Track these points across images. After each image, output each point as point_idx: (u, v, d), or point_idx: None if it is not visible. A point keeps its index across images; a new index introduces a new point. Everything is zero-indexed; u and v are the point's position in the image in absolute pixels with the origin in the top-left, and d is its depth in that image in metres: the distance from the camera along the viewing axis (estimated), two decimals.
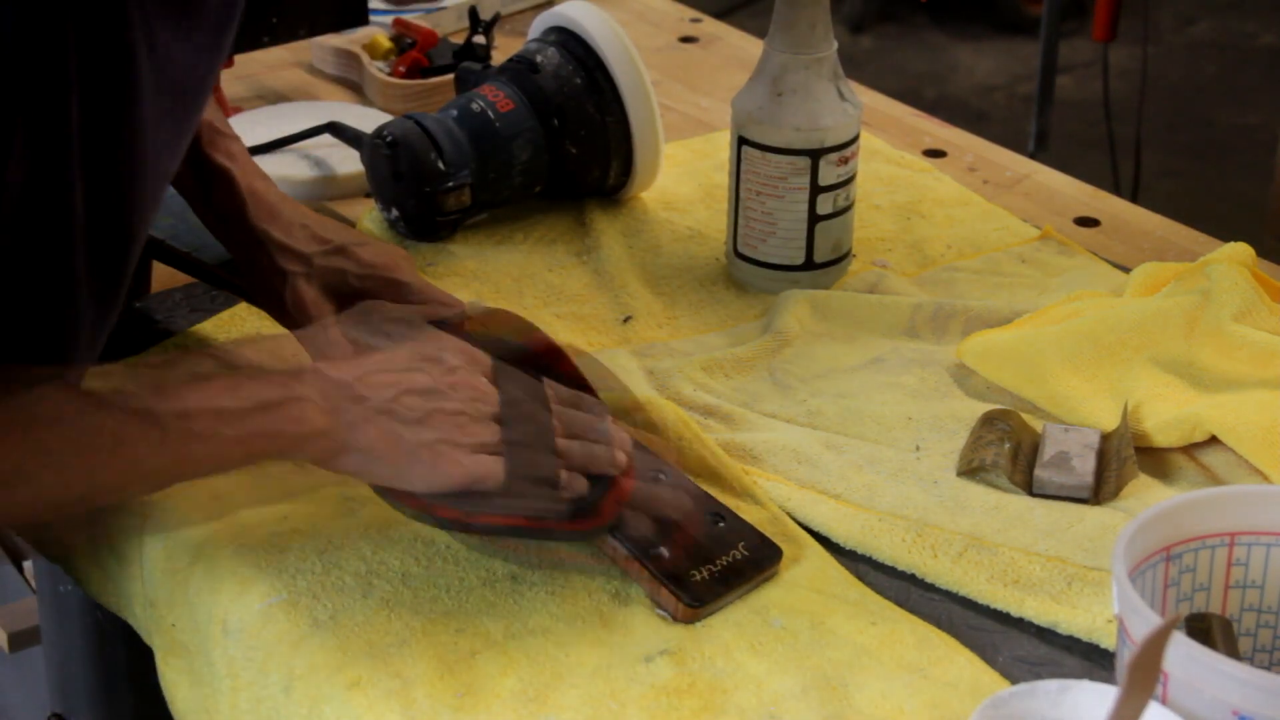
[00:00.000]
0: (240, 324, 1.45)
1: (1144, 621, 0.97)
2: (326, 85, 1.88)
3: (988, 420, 1.32)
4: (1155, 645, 0.92)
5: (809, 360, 1.42)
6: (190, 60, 1.11)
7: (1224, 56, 4.66)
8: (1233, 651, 1.05)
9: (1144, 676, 0.92)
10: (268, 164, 1.59)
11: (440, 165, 1.54)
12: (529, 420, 1.17)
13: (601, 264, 1.55)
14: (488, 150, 1.57)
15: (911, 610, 1.17)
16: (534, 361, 1.23)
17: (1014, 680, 1.11)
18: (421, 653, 1.12)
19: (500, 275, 1.53)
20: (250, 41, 1.74)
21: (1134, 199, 2.96)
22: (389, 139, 1.55)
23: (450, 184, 1.55)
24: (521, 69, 1.60)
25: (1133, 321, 1.38)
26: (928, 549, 1.21)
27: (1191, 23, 4.81)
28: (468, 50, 1.78)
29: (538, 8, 2.01)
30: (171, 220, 1.46)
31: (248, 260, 1.37)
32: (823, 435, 1.33)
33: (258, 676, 1.14)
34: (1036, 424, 1.33)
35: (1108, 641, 1.13)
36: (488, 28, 1.80)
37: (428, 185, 1.54)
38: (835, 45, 1.48)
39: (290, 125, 1.69)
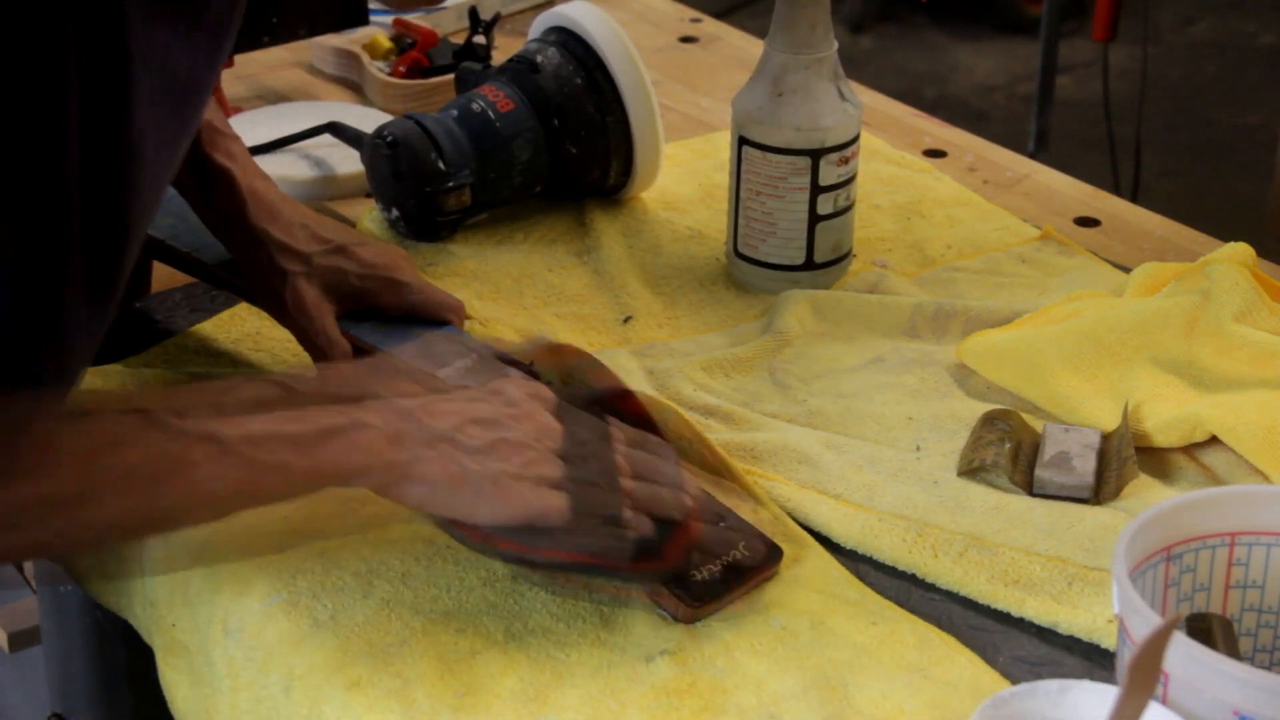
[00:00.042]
0: (240, 324, 1.45)
1: (1144, 621, 0.97)
2: (326, 85, 1.88)
3: (988, 420, 1.32)
4: (1156, 645, 0.92)
5: (809, 360, 1.42)
6: (189, 63, 1.11)
7: (1224, 56, 4.66)
8: (1233, 651, 1.05)
9: (1144, 676, 0.92)
10: (268, 164, 1.59)
11: (440, 165, 1.54)
12: (594, 458, 1.15)
13: (601, 264, 1.55)
14: (488, 150, 1.57)
15: (912, 610, 1.17)
16: (602, 401, 1.22)
17: (1014, 680, 1.11)
18: (421, 653, 1.12)
19: (500, 275, 1.53)
20: (250, 41, 1.74)
21: (1134, 199, 2.96)
22: (389, 139, 1.55)
23: (450, 184, 1.55)
24: (522, 69, 1.60)
25: (1133, 321, 1.38)
26: (928, 549, 1.21)
27: (1191, 23, 4.81)
28: (468, 50, 1.78)
29: (538, 8, 2.01)
30: (171, 220, 1.46)
31: (248, 260, 1.37)
32: (823, 435, 1.33)
33: (258, 676, 1.14)
34: (1037, 424, 1.33)
35: (1108, 641, 1.13)
36: (488, 28, 1.80)
37: (428, 185, 1.54)
38: (835, 45, 1.48)
39: (290, 125, 1.69)
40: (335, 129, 1.65)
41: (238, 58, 1.79)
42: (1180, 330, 1.36)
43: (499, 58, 1.77)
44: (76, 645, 1.51)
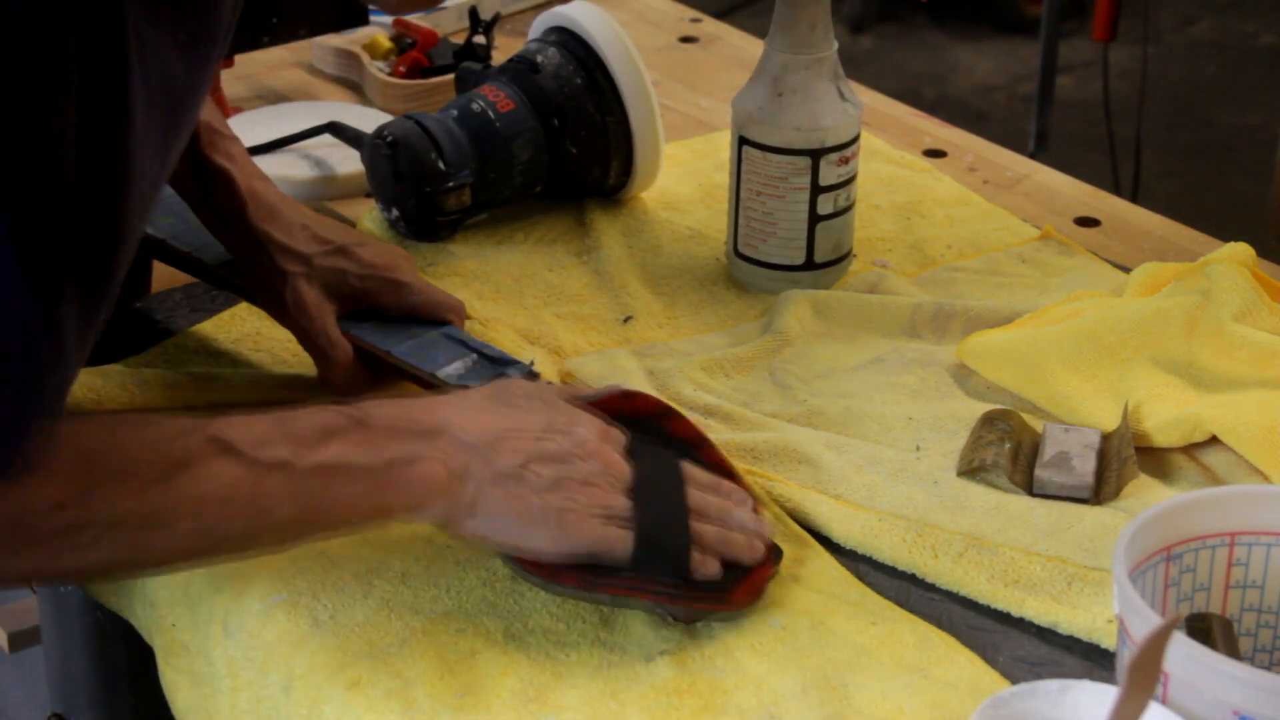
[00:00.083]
0: (240, 324, 1.45)
1: (1144, 621, 0.97)
2: (326, 85, 1.88)
3: (988, 420, 1.32)
4: (1155, 645, 0.92)
5: (809, 360, 1.42)
6: (185, 68, 1.11)
7: (1224, 56, 4.66)
8: (1233, 651, 1.05)
9: (1144, 676, 0.92)
10: (268, 164, 1.59)
11: (440, 165, 1.54)
12: (662, 497, 1.16)
13: (601, 264, 1.55)
14: (488, 150, 1.57)
15: (911, 610, 1.17)
16: (676, 446, 1.22)
17: (1014, 680, 1.11)
18: (421, 653, 1.12)
19: (500, 275, 1.53)
20: (250, 41, 1.74)
21: (1134, 199, 2.96)
22: (389, 139, 1.55)
23: (450, 184, 1.55)
24: (522, 69, 1.60)
25: (1133, 321, 1.38)
26: (928, 549, 1.21)
27: (1191, 23, 4.81)
28: (468, 50, 1.78)
29: (538, 8, 2.01)
30: (171, 220, 1.46)
31: (248, 261, 1.37)
32: (823, 435, 1.33)
33: (258, 676, 1.14)
34: (1036, 424, 1.33)
35: (1108, 641, 1.13)
36: (488, 28, 1.80)
37: (428, 185, 1.54)
38: (835, 45, 1.48)
39: (290, 125, 1.69)
40: (335, 129, 1.65)
41: (238, 58, 1.79)
42: (1180, 330, 1.36)
43: (499, 58, 1.77)
44: (76, 645, 1.51)
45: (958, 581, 1.19)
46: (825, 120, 1.47)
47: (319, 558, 1.19)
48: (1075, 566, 1.19)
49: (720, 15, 2.19)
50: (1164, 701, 0.97)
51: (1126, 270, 1.51)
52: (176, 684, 1.21)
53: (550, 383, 1.28)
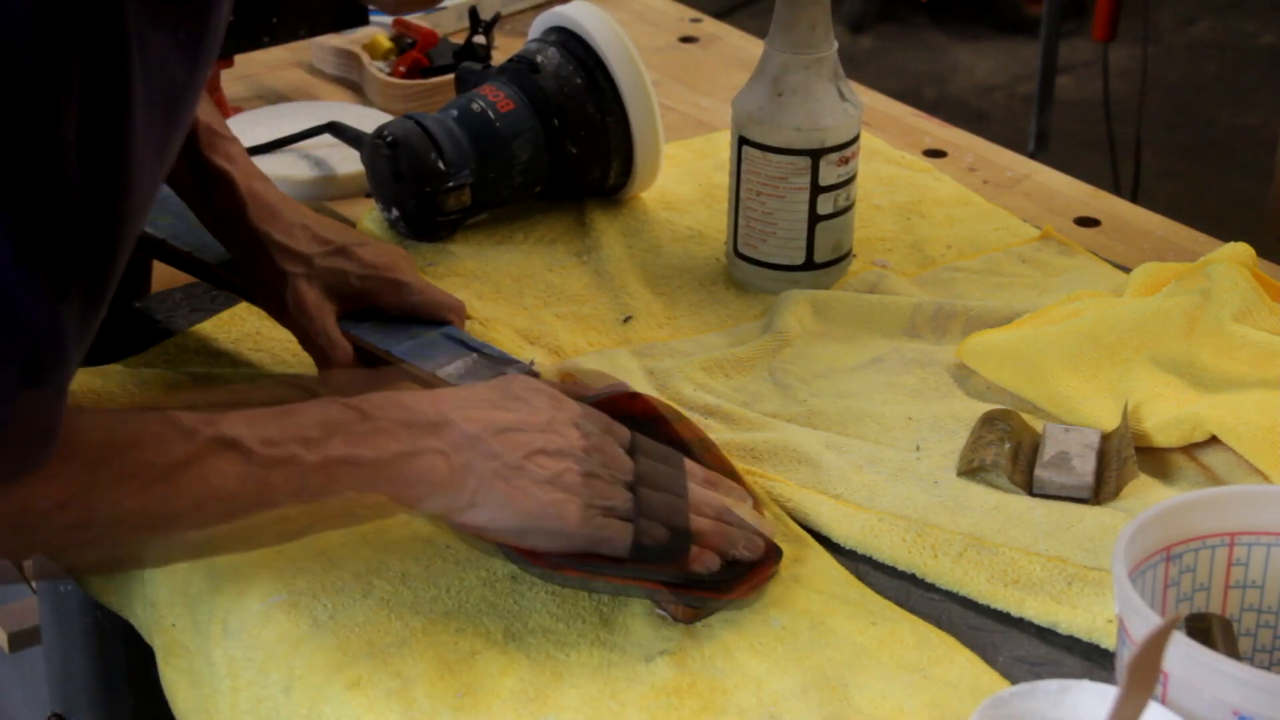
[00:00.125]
0: (240, 324, 1.45)
1: (1144, 621, 0.97)
2: (326, 85, 1.88)
3: (988, 420, 1.32)
4: (1155, 645, 0.92)
5: (809, 360, 1.42)
6: (183, 67, 1.11)
7: (1224, 56, 4.66)
8: (1233, 651, 1.05)
9: (1144, 676, 0.92)
10: (268, 164, 1.59)
11: (440, 165, 1.54)
12: (662, 492, 1.16)
13: (601, 264, 1.55)
14: (488, 150, 1.57)
15: (911, 610, 1.17)
16: (679, 446, 1.22)
17: (1014, 680, 1.11)
18: (421, 653, 1.12)
19: (500, 275, 1.53)
20: (250, 41, 1.74)
21: (1134, 199, 2.96)
22: (389, 139, 1.55)
23: (450, 184, 1.55)
24: (521, 69, 1.60)
25: (1133, 321, 1.38)
26: (928, 549, 1.21)
27: (1191, 23, 4.81)
28: (468, 50, 1.78)
29: (538, 8, 2.02)
30: (171, 220, 1.46)
31: (248, 261, 1.37)
32: (823, 435, 1.33)
33: (258, 676, 1.14)
34: (1036, 424, 1.33)
35: (1108, 641, 1.13)
36: (488, 28, 1.80)
37: (428, 185, 1.54)
38: (835, 45, 1.48)
39: (290, 125, 1.69)
40: (335, 129, 1.65)
41: (238, 58, 1.79)
42: (1180, 330, 1.36)
43: (499, 58, 1.77)
44: (76, 645, 1.51)
45: (958, 581, 1.19)
46: (825, 120, 1.47)
47: (319, 558, 1.19)
48: (1075, 566, 1.19)
49: (720, 15, 2.19)
50: (1164, 701, 0.97)
51: (1126, 270, 1.51)
52: (176, 684, 1.21)
53: (553, 380, 1.28)
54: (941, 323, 1.46)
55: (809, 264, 1.51)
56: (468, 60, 1.75)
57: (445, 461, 1.11)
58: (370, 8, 1.80)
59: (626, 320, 1.48)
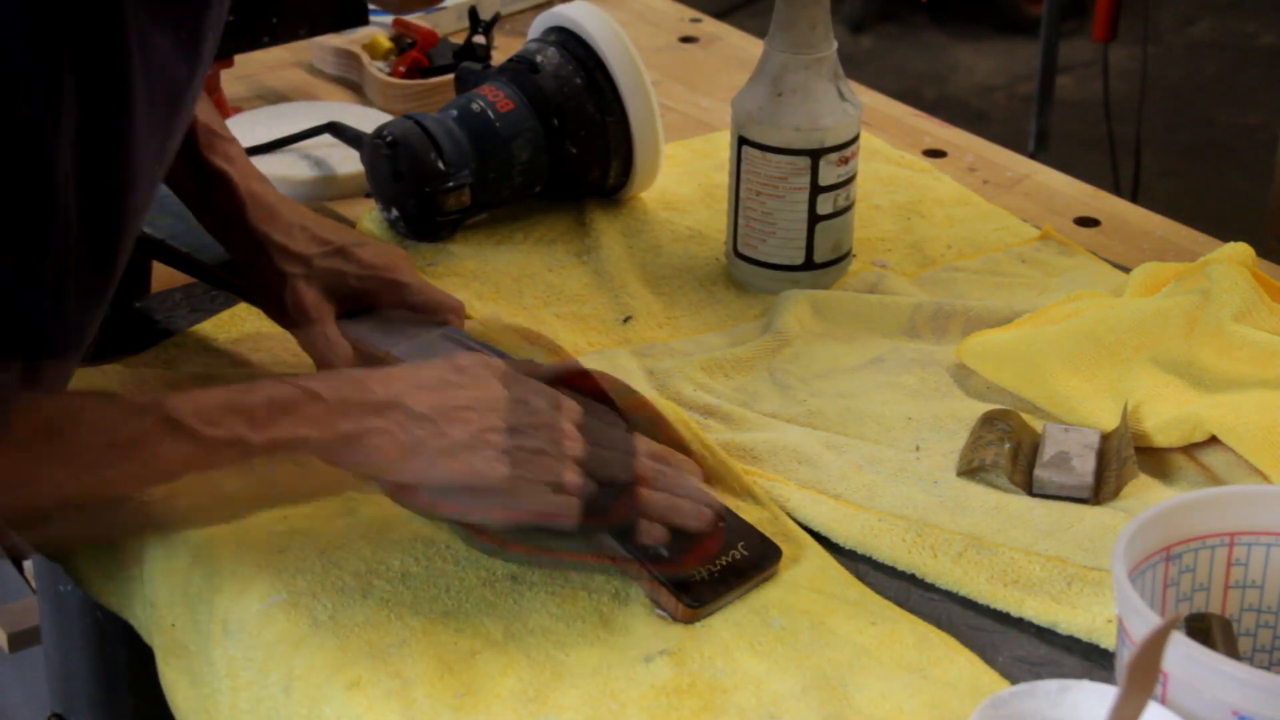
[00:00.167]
0: (240, 324, 1.45)
1: (1144, 621, 0.97)
2: (326, 85, 1.88)
3: (988, 420, 1.32)
4: (1155, 645, 0.92)
5: (809, 360, 1.42)
6: (185, 68, 1.12)
7: (1224, 56, 4.66)
8: (1232, 651, 1.05)
9: (1143, 676, 0.92)
10: (267, 164, 1.59)
11: (440, 165, 1.54)
12: (611, 467, 1.17)
13: (601, 264, 1.55)
14: (488, 150, 1.57)
15: (911, 610, 1.17)
16: (630, 422, 1.23)
17: (1014, 680, 1.11)
18: (421, 653, 1.12)
19: (500, 275, 1.53)
20: (250, 41, 1.74)
21: (1134, 199, 2.96)
22: (389, 139, 1.55)
23: (450, 184, 1.55)
24: (521, 69, 1.60)
25: (1133, 321, 1.38)
26: (928, 549, 1.21)
27: (1191, 23, 4.81)
28: (468, 50, 1.78)
29: (538, 8, 2.02)
30: (171, 220, 1.46)
31: (247, 262, 1.37)
32: (823, 435, 1.33)
33: (258, 676, 1.14)
34: (1036, 424, 1.33)
35: (1108, 641, 1.13)
36: (488, 28, 1.80)
37: (428, 185, 1.54)
38: (835, 45, 1.48)
39: (290, 125, 1.69)
40: (335, 129, 1.65)
41: (238, 58, 1.79)
42: (1180, 330, 1.37)
43: (499, 58, 1.77)
44: (76, 645, 1.51)
45: (957, 581, 1.19)
46: (825, 120, 1.47)
47: (319, 557, 1.19)
48: (1075, 566, 1.19)
49: (720, 15, 2.19)
50: (1163, 701, 0.97)
51: (1126, 270, 1.51)
52: (176, 684, 1.21)
53: (505, 356, 1.28)
54: (941, 323, 1.46)
55: (809, 264, 1.51)
56: (468, 60, 1.75)
57: (394, 441, 1.11)
58: (370, 7, 1.80)
59: (626, 320, 1.48)
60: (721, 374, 1.40)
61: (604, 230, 1.59)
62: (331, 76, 1.89)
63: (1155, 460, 1.31)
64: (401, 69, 1.82)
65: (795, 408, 1.37)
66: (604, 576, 1.18)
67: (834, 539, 1.23)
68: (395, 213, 1.57)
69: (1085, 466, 1.27)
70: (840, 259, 1.52)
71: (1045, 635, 1.15)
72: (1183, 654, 0.96)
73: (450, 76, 1.78)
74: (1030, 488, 1.27)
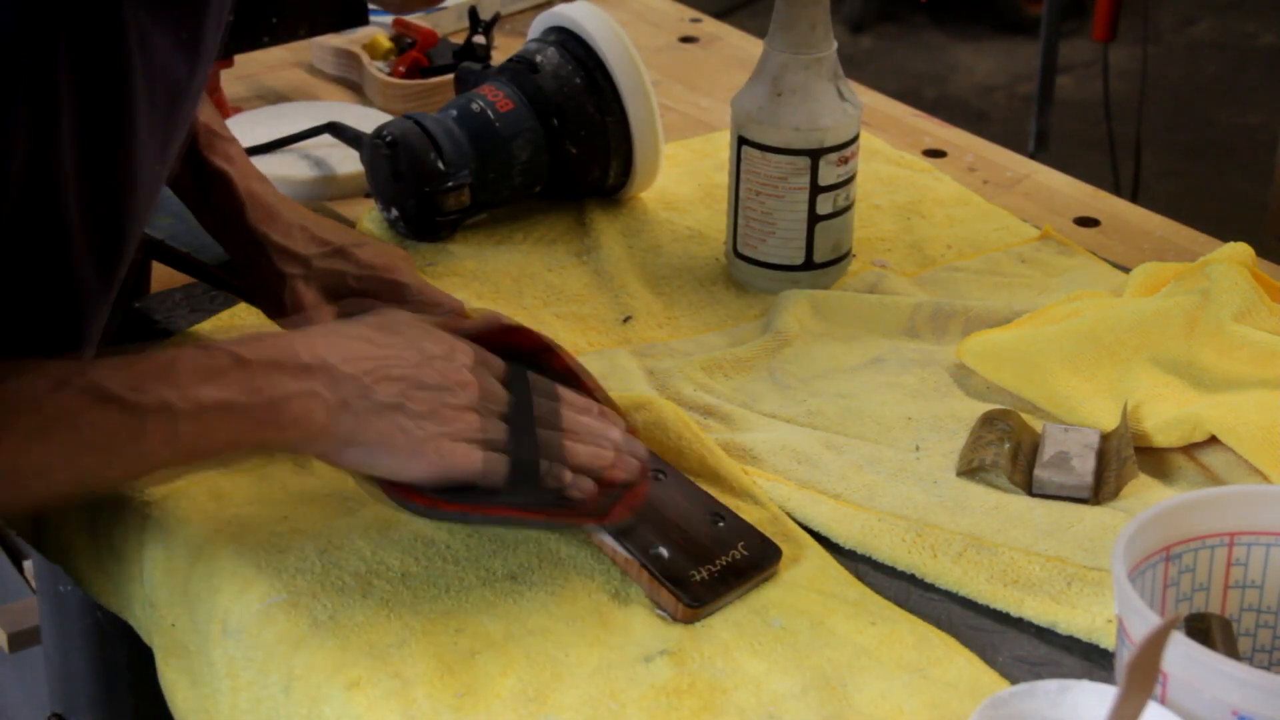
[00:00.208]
0: (240, 324, 1.45)
1: (1143, 621, 0.97)
2: (326, 85, 1.88)
3: (988, 420, 1.32)
4: (1154, 645, 0.92)
5: (809, 360, 1.42)
6: (183, 66, 1.12)
7: (1224, 56, 4.66)
8: (1232, 651, 1.05)
9: (1143, 676, 0.92)
10: (267, 164, 1.59)
11: (440, 165, 1.54)
12: (537, 421, 1.18)
13: (601, 264, 1.55)
14: (488, 150, 1.57)
15: (911, 610, 1.17)
16: (554, 378, 1.24)
17: (1014, 680, 1.11)
18: (421, 653, 1.12)
19: (500, 275, 1.53)
20: (250, 41, 1.74)
21: (1134, 199, 2.96)
22: (389, 139, 1.55)
23: (450, 184, 1.55)
24: (521, 69, 1.60)
25: (1133, 321, 1.38)
26: (927, 549, 1.21)
27: (1191, 23, 4.81)
28: (468, 50, 1.78)
29: (538, 8, 2.01)
30: (171, 220, 1.46)
31: (247, 262, 1.37)
32: (823, 435, 1.33)
33: (258, 676, 1.14)
34: (1036, 424, 1.33)
35: (1107, 641, 1.13)
36: (488, 28, 1.80)
37: (428, 185, 1.54)
38: (835, 45, 1.48)
39: (290, 125, 1.69)
40: (335, 129, 1.65)
41: (238, 58, 1.80)
42: (1180, 330, 1.37)
43: (499, 58, 1.77)
44: (76, 645, 1.51)
45: (957, 581, 1.19)
46: (825, 120, 1.47)
47: (319, 557, 1.19)
48: (1075, 566, 1.19)
49: (720, 15, 2.19)
50: (1163, 701, 0.97)
51: (1126, 270, 1.51)
52: (176, 684, 1.21)
53: (431, 315, 1.28)
54: (941, 323, 1.46)
55: (808, 264, 1.51)
56: (467, 60, 1.75)
57: (321, 403, 1.11)
58: (371, 7, 1.80)
59: (626, 320, 1.48)
60: (721, 374, 1.40)
61: (604, 230, 1.59)
62: (331, 76, 1.89)
63: (1155, 460, 1.31)
64: (401, 69, 1.82)
65: (795, 408, 1.37)
66: (604, 577, 1.18)
67: (834, 539, 1.23)
68: (395, 213, 1.57)
69: (1085, 466, 1.27)
70: (840, 259, 1.52)
71: (1045, 635, 1.15)
72: (1183, 654, 0.96)
73: (450, 76, 1.78)
74: (1030, 488, 1.27)
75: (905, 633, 1.14)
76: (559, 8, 1.63)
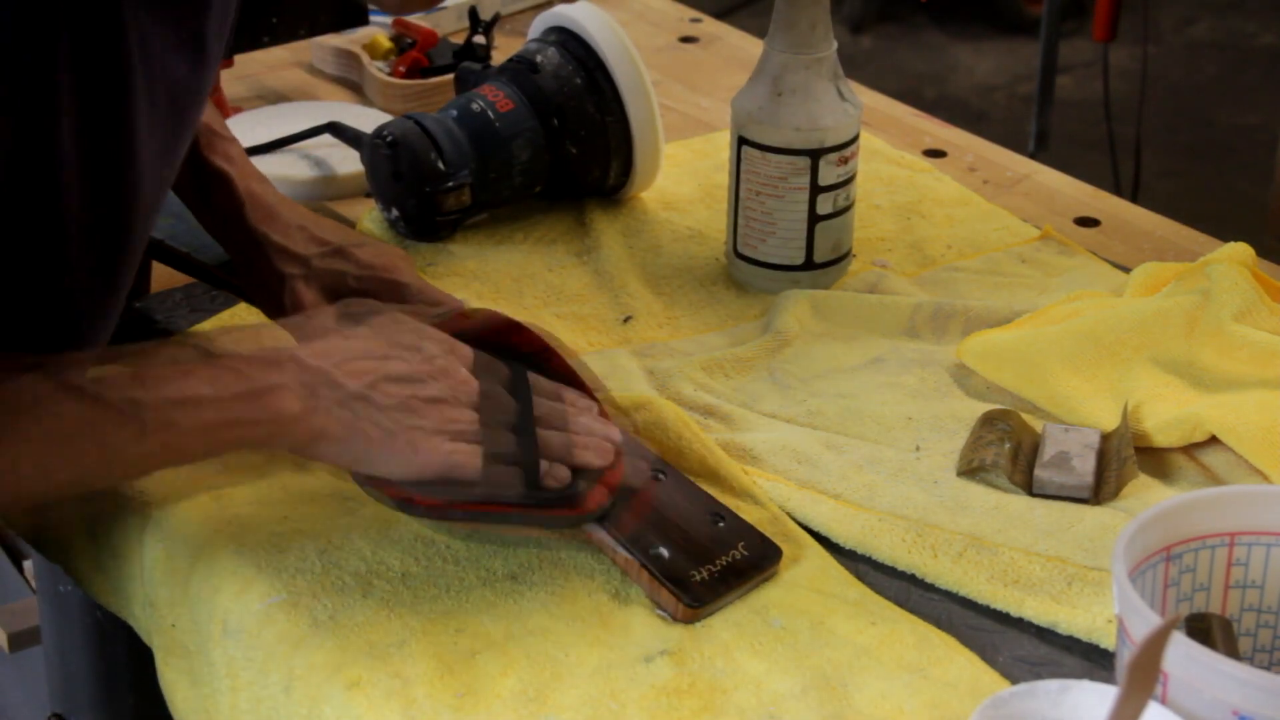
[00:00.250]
0: (240, 324, 1.45)
1: (1144, 621, 0.97)
2: (326, 85, 1.88)
3: (988, 420, 1.32)
4: (1155, 645, 0.92)
5: (809, 360, 1.42)
6: (183, 67, 1.12)
7: (1224, 56, 4.66)
8: (1233, 651, 1.05)
9: (1144, 676, 0.92)
10: (267, 164, 1.59)
11: (440, 165, 1.54)
12: (508, 410, 1.17)
13: (601, 264, 1.55)
14: (488, 150, 1.57)
15: (911, 610, 1.17)
16: (524, 359, 1.23)
17: (1014, 680, 1.11)
18: (421, 653, 1.12)
19: (500, 275, 1.53)
20: (250, 41, 1.74)
21: (1134, 199, 2.96)
22: (389, 139, 1.55)
23: (450, 184, 1.55)
24: (521, 69, 1.60)
25: (1133, 321, 1.38)
26: (928, 549, 1.21)
27: (1191, 23, 4.81)
28: (468, 50, 1.78)
29: (538, 8, 2.01)
30: (171, 220, 1.46)
31: (246, 262, 1.37)
32: (823, 435, 1.33)
33: (258, 676, 1.14)
34: (1036, 424, 1.33)
35: (1108, 641, 1.13)
36: (488, 28, 1.80)
37: (428, 185, 1.54)
38: (835, 45, 1.48)
39: (290, 125, 1.69)
40: (335, 129, 1.65)
41: (238, 58, 1.80)
42: (1180, 330, 1.36)
43: (499, 58, 1.77)
44: (76, 645, 1.51)
45: (957, 581, 1.19)
46: (825, 120, 1.47)
47: (319, 557, 1.19)
48: (1075, 566, 1.19)
49: (720, 15, 2.19)
50: (1163, 701, 0.97)
51: (1126, 270, 1.51)
52: (176, 684, 1.21)
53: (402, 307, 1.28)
54: (941, 323, 1.46)
55: (809, 264, 1.51)
56: (467, 60, 1.75)
57: (291, 396, 1.11)
58: (370, 7, 1.80)
59: (626, 320, 1.48)
60: (721, 374, 1.40)
61: (604, 230, 1.59)
62: (331, 76, 1.89)
63: (1155, 460, 1.31)
64: (401, 69, 1.82)
65: (795, 408, 1.37)
66: (604, 577, 1.18)
67: (834, 539, 1.23)
68: (395, 213, 1.56)
69: (1085, 466, 1.27)
70: (840, 259, 1.52)
71: (1045, 635, 1.15)
72: (1183, 654, 0.96)
73: (450, 76, 1.78)
74: (1030, 488, 1.27)
75: (905, 633, 1.14)
76: (559, 8, 1.63)
